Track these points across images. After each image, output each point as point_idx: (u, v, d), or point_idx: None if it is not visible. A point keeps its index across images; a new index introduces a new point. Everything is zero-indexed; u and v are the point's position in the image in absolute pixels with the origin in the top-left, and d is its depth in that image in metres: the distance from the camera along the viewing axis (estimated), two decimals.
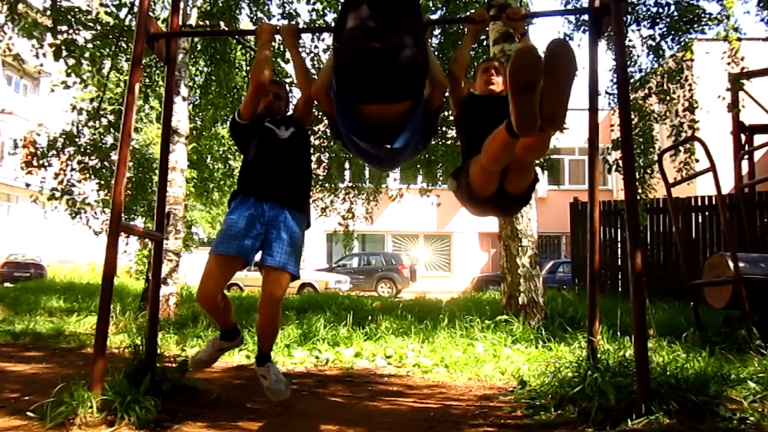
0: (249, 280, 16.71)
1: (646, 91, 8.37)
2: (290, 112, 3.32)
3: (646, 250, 9.82)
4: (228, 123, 3.20)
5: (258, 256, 3.01)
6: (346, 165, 12.24)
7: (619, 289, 10.12)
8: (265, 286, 2.89)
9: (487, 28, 6.13)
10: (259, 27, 3.23)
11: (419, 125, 2.76)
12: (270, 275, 2.88)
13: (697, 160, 8.09)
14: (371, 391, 3.64)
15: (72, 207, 9.71)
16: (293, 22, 8.81)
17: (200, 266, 3.15)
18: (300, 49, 3.34)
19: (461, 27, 8.70)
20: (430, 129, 2.88)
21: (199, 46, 9.34)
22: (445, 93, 2.94)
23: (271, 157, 3.01)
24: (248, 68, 9.70)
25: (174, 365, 3.49)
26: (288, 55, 9.35)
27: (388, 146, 2.70)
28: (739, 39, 7.82)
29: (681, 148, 8.08)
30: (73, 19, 7.77)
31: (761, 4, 7.95)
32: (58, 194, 9.30)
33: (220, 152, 12.28)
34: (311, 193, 11.59)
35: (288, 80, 9.84)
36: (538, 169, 8.11)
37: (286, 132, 3.07)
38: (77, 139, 9.11)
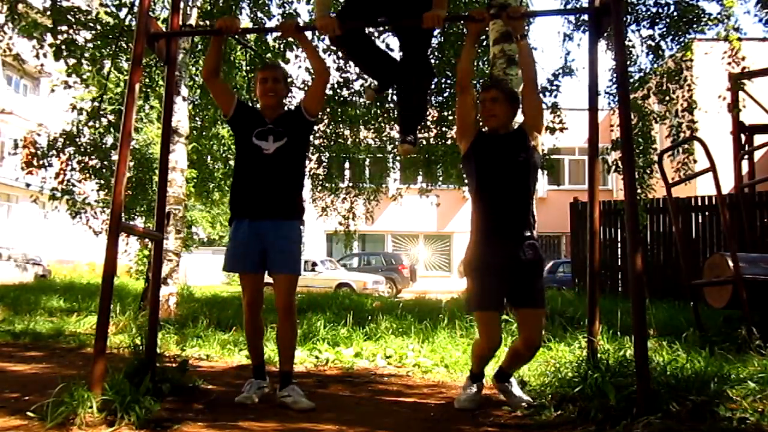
0: None
1: (645, 91, 8.37)
2: (294, 105, 3.40)
3: (646, 250, 9.82)
4: None
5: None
6: (346, 165, 12.24)
7: (619, 289, 10.12)
8: (277, 293, 3.19)
9: (487, 29, 6.12)
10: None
11: None
12: (278, 281, 3.17)
13: (695, 161, 8.09)
14: (371, 391, 3.64)
15: (72, 207, 9.71)
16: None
17: (200, 266, 3.28)
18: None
19: (461, 27, 8.70)
20: None
21: (199, 46, 9.34)
22: None
23: (255, 175, 3.16)
24: (248, 68, 9.70)
25: (174, 365, 3.49)
26: (288, 55, 9.41)
27: None
28: (740, 39, 7.82)
29: (679, 148, 8.09)
30: (73, 19, 7.77)
31: (760, 5, 7.95)
32: (58, 194, 9.30)
33: (220, 152, 12.28)
34: (313, 192, 11.58)
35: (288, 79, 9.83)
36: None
37: (274, 144, 3.15)
38: (77, 139, 9.10)
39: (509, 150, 3.04)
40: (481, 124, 3.24)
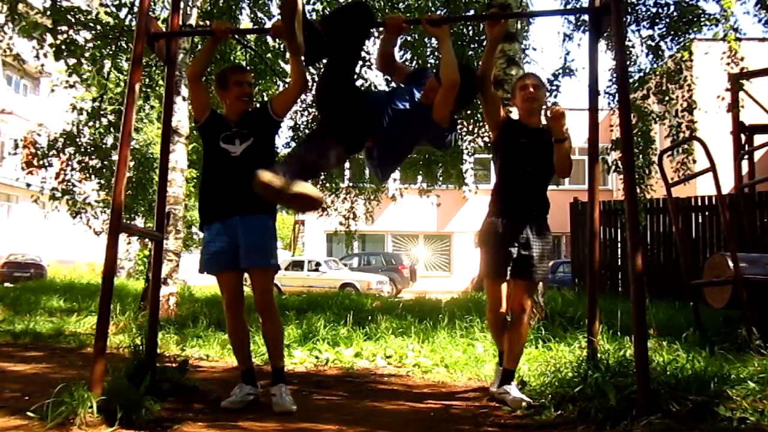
0: (287, 280, 16.59)
1: (645, 91, 8.37)
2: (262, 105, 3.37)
3: (646, 250, 9.81)
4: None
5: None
6: (346, 165, 12.23)
7: (619, 289, 10.11)
8: (254, 289, 3.15)
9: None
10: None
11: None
12: (253, 276, 3.14)
13: (695, 161, 8.10)
14: (371, 391, 3.65)
15: (72, 207, 9.71)
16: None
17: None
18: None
19: (461, 27, 8.71)
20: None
21: (199, 46, 9.34)
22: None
23: (223, 178, 3.15)
24: (248, 68, 9.69)
25: (174, 365, 3.49)
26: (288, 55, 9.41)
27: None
28: (738, 39, 7.82)
29: (679, 148, 8.09)
30: (73, 19, 7.78)
31: (759, 5, 7.95)
32: (58, 194, 9.30)
33: None
34: None
35: (287, 79, 9.85)
36: None
37: (240, 146, 3.14)
38: (77, 139, 9.11)
39: (531, 143, 3.25)
40: (510, 112, 3.36)
